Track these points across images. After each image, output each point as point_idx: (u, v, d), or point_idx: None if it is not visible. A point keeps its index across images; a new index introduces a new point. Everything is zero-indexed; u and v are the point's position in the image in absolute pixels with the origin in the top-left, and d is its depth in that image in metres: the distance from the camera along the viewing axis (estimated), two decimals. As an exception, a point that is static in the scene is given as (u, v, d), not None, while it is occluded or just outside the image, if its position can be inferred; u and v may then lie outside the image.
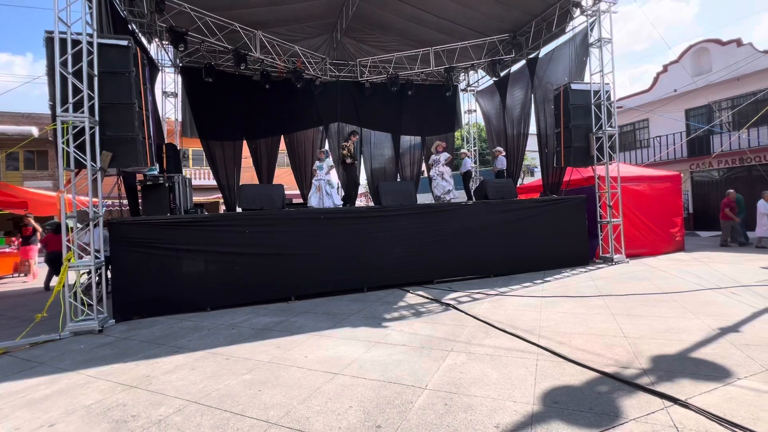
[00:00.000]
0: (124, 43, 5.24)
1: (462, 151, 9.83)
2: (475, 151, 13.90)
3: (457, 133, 15.04)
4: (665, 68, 16.83)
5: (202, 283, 5.73)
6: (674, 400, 2.49)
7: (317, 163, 8.54)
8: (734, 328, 3.81)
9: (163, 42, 9.38)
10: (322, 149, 9.99)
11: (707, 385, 2.67)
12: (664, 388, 2.66)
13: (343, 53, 11.25)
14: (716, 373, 2.87)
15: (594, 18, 8.25)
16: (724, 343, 3.44)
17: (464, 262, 7.10)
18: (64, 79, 4.82)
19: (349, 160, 8.69)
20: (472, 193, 9.14)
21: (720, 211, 10.65)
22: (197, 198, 15.78)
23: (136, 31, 7.98)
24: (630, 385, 2.74)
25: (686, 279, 6.18)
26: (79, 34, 4.90)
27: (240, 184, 10.16)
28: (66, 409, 2.83)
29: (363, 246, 6.52)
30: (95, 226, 5.09)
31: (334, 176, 9.37)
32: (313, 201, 8.20)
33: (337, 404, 2.68)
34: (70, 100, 4.81)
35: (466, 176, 9.71)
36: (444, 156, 8.96)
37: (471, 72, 12.78)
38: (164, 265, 5.57)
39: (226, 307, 5.75)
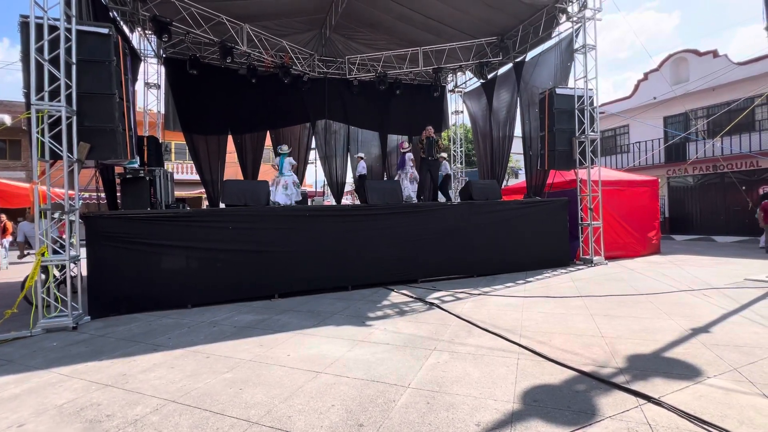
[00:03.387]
0: (105, 31, 5.06)
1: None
2: (461, 152, 14.04)
3: (444, 134, 15.14)
4: (646, 76, 17.31)
5: (183, 280, 5.60)
6: (648, 398, 2.57)
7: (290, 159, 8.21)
8: (705, 328, 3.96)
9: (146, 32, 9.12)
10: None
11: (679, 384, 2.77)
12: (638, 386, 2.74)
13: (332, 50, 11.17)
14: (688, 372, 2.97)
15: (579, 24, 8.43)
16: (695, 343, 3.57)
17: (448, 262, 7.16)
18: (39, 66, 4.63)
19: (423, 154, 8.34)
20: (458, 194, 9.11)
21: (763, 214, 9.87)
22: (179, 192, 15.43)
23: (118, 19, 7.74)
24: (606, 383, 2.82)
25: (661, 281, 6.38)
26: (57, 19, 4.71)
27: (224, 179, 9.97)
28: (36, 408, 2.73)
29: (348, 244, 6.49)
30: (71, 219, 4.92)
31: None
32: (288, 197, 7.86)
33: (320, 403, 2.66)
34: (46, 88, 4.63)
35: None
36: (409, 156, 8.73)
37: (459, 73, 12.89)
38: (143, 260, 5.42)
39: (207, 305, 5.64)
